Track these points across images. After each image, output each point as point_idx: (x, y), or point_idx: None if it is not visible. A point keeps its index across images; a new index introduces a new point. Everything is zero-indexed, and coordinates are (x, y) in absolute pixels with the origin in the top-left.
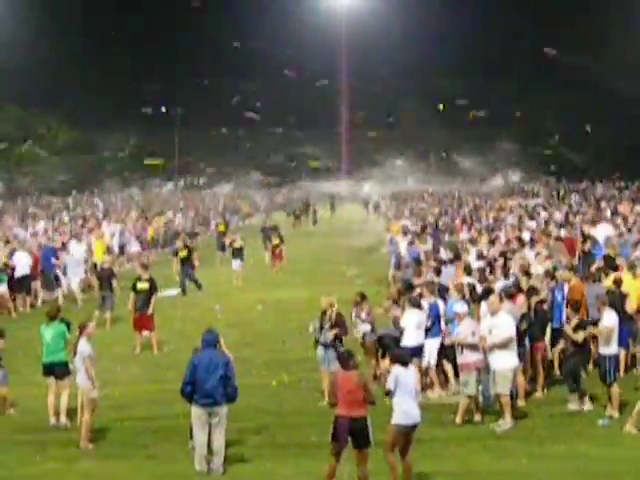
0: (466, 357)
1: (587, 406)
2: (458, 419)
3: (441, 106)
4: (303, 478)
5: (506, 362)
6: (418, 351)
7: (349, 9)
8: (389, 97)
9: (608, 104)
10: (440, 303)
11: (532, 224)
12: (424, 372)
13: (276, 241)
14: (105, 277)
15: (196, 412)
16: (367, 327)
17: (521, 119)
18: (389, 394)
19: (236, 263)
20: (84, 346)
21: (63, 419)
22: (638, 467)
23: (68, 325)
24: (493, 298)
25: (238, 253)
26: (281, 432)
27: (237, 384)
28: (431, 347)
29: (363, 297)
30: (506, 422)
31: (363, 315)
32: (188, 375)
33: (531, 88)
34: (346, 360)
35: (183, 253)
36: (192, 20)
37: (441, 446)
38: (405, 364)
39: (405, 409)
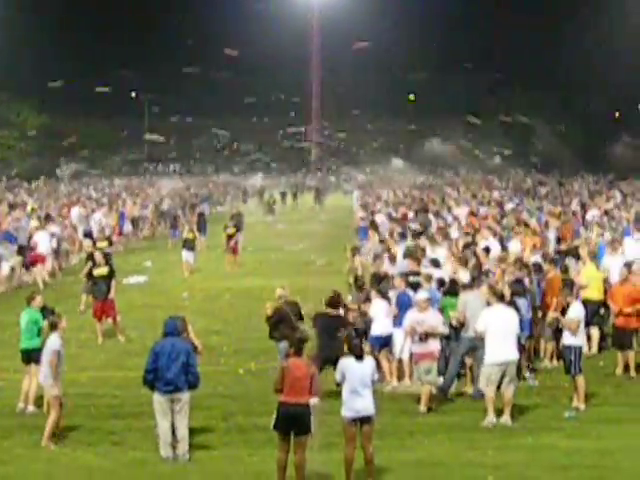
0: (429, 346)
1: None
2: (422, 407)
3: (412, 96)
4: (269, 464)
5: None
6: (388, 340)
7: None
8: (361, 88)
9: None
10: (411, 293)
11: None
12: (397, 362)
13: (231, 230)
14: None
15: (158, 399)
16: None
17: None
18: (339, 385)
19: (187, 254)
20: (55, 341)
21: (30, 407)
22: (606, 459)
23: (44, 311)
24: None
25: (189, 244)
26: (247, 419)
27: (198, 371)
28: (401, 337)
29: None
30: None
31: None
32: (150, 363)
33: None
34: (300, 345)
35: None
36: (162, 8)
37: (407, 436)
38: (358, 357)
39: (347, 401)
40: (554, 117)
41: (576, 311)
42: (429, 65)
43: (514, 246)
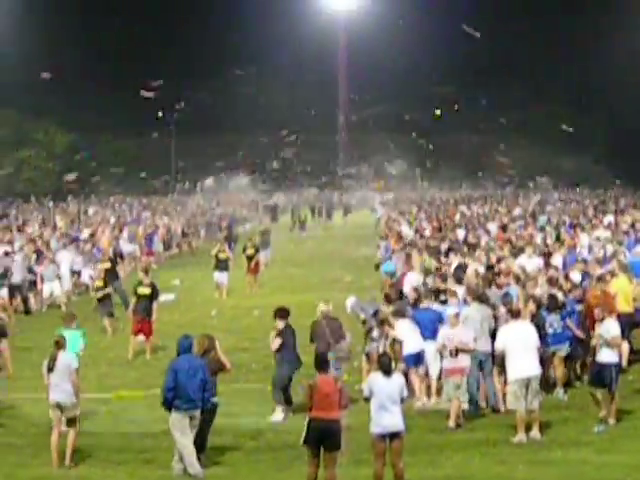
0: (461, 362)
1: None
2: (451, 423)
3: (438, 111)
4: None
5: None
6: (420, 357)
7: (348, 13)
8: (386, 101)
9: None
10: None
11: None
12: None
13: (251, 250)
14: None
15: (177, 417)
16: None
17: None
18: (367, 400)
19: (220, 275)
20: (73, 359)
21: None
22: (636, 474)
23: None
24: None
25: (223, 264)
26: (277, 436)
27: (211, 388)
28: (430, 351)
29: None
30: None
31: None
32: (170, 381)
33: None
34: (323, 363)
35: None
36: (189, 24)
37: (437, 452)
38: (387, 372)
39: (375, 418)
40: (583, 131)
41: (615, 327)
42: (455, 80)
43: (556, 260)
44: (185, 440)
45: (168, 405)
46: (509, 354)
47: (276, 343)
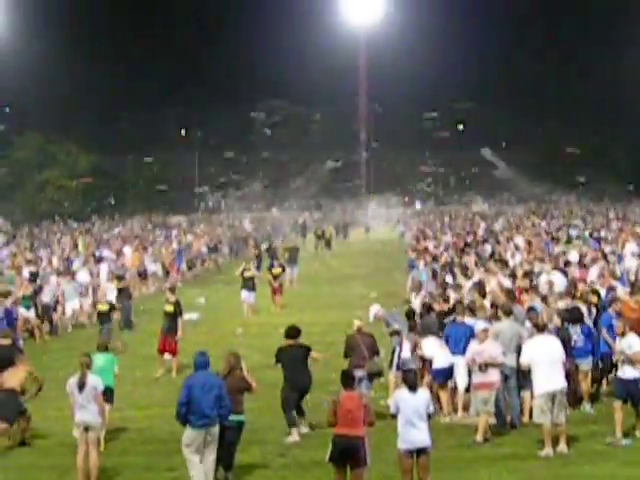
0: (490, 376)
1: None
2: (479, 437)
3: (461, 126)
4: None
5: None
6: (449, 372)
7: (367, 31)
8: (407, 119)
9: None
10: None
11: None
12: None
13: (277, 270)
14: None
15: (191, 435)
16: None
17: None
18: (394, 417)
19: (248, 295)
20: (96, 381)
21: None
22: None
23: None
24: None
25: (250, 283)
26: (305, 453)
27: (229, 404)
28: (461, 366)
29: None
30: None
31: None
32: (184, 396)
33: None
34: (349, 379)
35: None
36: (210, 47)
37: (465, 467)
38: (412, 388)
39: (402, 433)
40: (601, 148)
41: (637, 342)
42: (476, 96)
43: (593, 273)
44: (194, 458)
45: (182, 420)
46: (535, 368)
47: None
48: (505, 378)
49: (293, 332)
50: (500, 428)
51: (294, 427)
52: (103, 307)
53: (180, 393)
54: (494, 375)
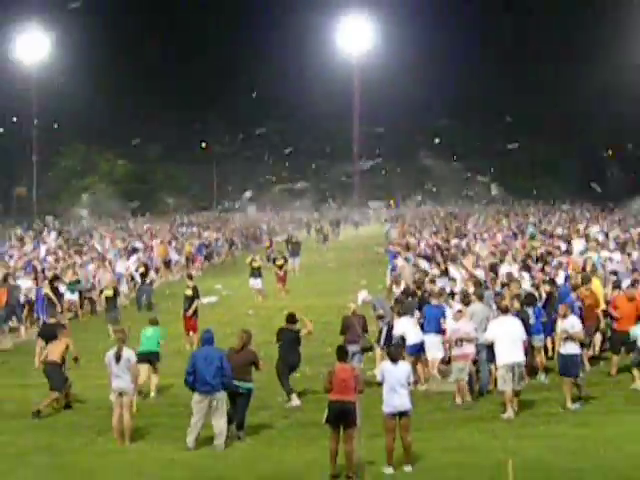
0: (465, 349)
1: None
2: (458, 400)
3: (437, 140)
4: (323, 454)
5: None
6: (421, 347)
7: (360, 57)
8: (394, 135)
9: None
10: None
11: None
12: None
13: (280, 262)
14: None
15: (196, 398)
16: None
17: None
18: (380, 384)
19: (255, 282)
20: (129, 353)
21: (153, 393)
22: (608, 444)
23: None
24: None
25: (256, 272)
26: (305, 415)
27: (230, 374)
28: (432, 342)
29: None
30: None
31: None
32: (189, 366)
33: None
34: (343, 353)
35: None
36: (228, 76)
37: (441, 428)
38: (394, 360)
39: (386, 399)
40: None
41: (578, 323)
42: (452, 112)
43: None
44: (196, 417)
45: (189, 386)
46: (498, 343)
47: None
48: (478, 353)
49: (291, 318)
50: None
51: (292, 393)
52: (109, 292)
53: (187, 364)
54: (469, 348)
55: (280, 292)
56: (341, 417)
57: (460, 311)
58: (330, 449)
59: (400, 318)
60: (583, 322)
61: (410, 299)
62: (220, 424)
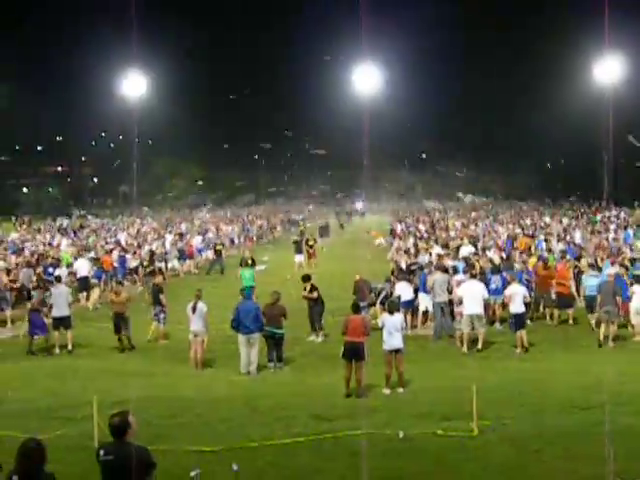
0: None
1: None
2: (458, 344)
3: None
4: (339, 379)
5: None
6: (411, 303)
7: (370, 96)
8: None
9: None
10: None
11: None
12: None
13: (311, 242)
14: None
15: (240, 338)
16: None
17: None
18: (381, 329)
19: (298, 255)
20: (202, 305)
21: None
22: (548, 374)
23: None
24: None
25: (299, 247)
26: (326, 351)
27: (263, 320)
28: (422, 297)
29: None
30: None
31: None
32: (234, 315)
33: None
34: (356, 307)
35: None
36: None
37: (426, 360)
38: (391, 312)
39: (386, 340)
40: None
41: (519, 289)
42: (435, 134)
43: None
44: (242, 351)
45: (234, 329)
46: (464, 300)
47: (314, 294)
48: (442, 309)
49: (305, 276)
50: (437, 339)
51: (321, 330)
52: (148, 267)
53: (233, 313)
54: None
55: (311, 264)
56: (353, 353)
57: (461, 280)
58: (345, 376)
59: (399, 282)
60: (534, 289)
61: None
62: (254, 355)
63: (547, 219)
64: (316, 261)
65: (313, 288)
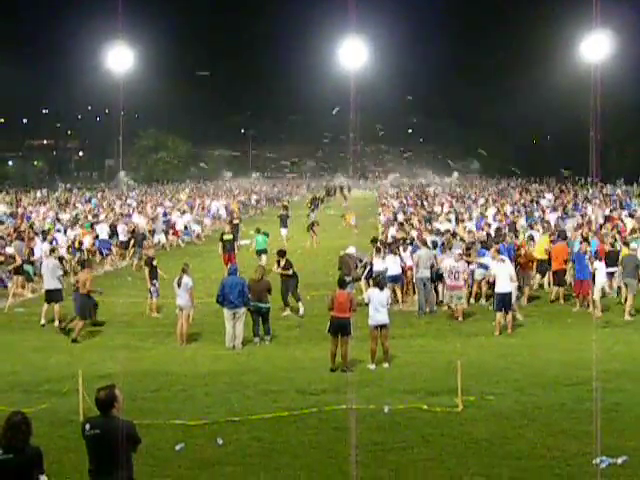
0: (459, 282)
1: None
2: (461, 318)
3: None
4: (325, 353)
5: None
6: (398, 278)
7: (356, 71)
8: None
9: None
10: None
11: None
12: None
13: (315, 226)
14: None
15: (225, 313)
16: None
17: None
18: (367, 305)
19: (283, 229)
20: (188, 280)
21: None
22: (531, 349)
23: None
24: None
25: (284, 221)
26: (313, 326)
27: (248, 295)
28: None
29: (378, 249)
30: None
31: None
32: (220, 290)
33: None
34: (342, 283)
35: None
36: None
37: (409, 336)
38: (379, 287)
39: (372, 315)
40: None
41: (512, 268)
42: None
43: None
44: (227, 325)
45: (219, 303)
46: (446, 276)
47: (289, 272)
48: (424, 285)
49: (280, 252)
50: (422, 314)
51: (300, 302)
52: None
53: (219, 288)
54: (461, 282)
55: (313, 243)
56: (339, 328)
57: (460, 253)
58: (330, 350)
59: (387, 256)
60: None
61: (394, 244)
62: (239, 330)
63: (549, 195)
64: (318, 239)
65: (287, 263)
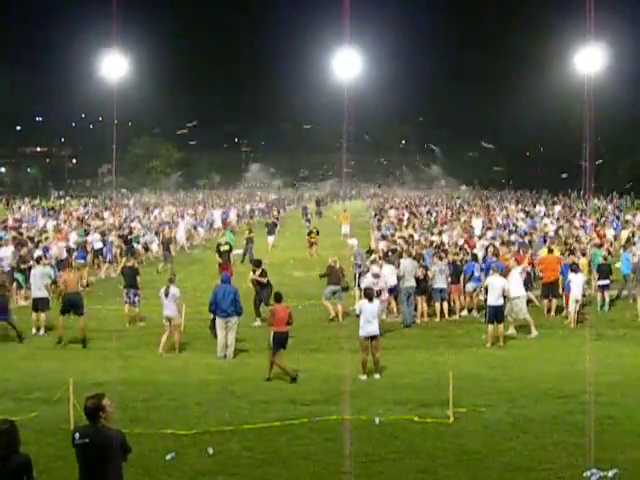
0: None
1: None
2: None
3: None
4: (312, 364)
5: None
6: (395, 289)
7: (350, 80)
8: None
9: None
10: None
11: None
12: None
13: (313, 236)
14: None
15: (218, 321)
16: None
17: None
18: (358, 316)
19: (270, 237)
20: (175, 290)
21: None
22: (520, 361)
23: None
24: None
25: (272, 229)
26: (299, 335)
27: (242, 304)
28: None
29: (373, 261)
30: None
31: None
32: (212, 299)
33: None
34: (278, 297)
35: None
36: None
37: (400, 347)
38: (370, 299)
39: (363, 327)
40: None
41: (504, 281)
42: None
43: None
44: (220, 334)
45: (212, 312)
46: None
47: (264, 280)
48: (409, 295)
49: (257, 262)
50: (406, 326)
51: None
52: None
53: (211, 297)
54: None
55: (312, 253)
56: (281, 343)
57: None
58: (275, 362)
59: (385, 266)
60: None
61: (391, 254)
62: (230, 339)
63: (557, 207)
64: (317, 249)
65: (263, 273)
